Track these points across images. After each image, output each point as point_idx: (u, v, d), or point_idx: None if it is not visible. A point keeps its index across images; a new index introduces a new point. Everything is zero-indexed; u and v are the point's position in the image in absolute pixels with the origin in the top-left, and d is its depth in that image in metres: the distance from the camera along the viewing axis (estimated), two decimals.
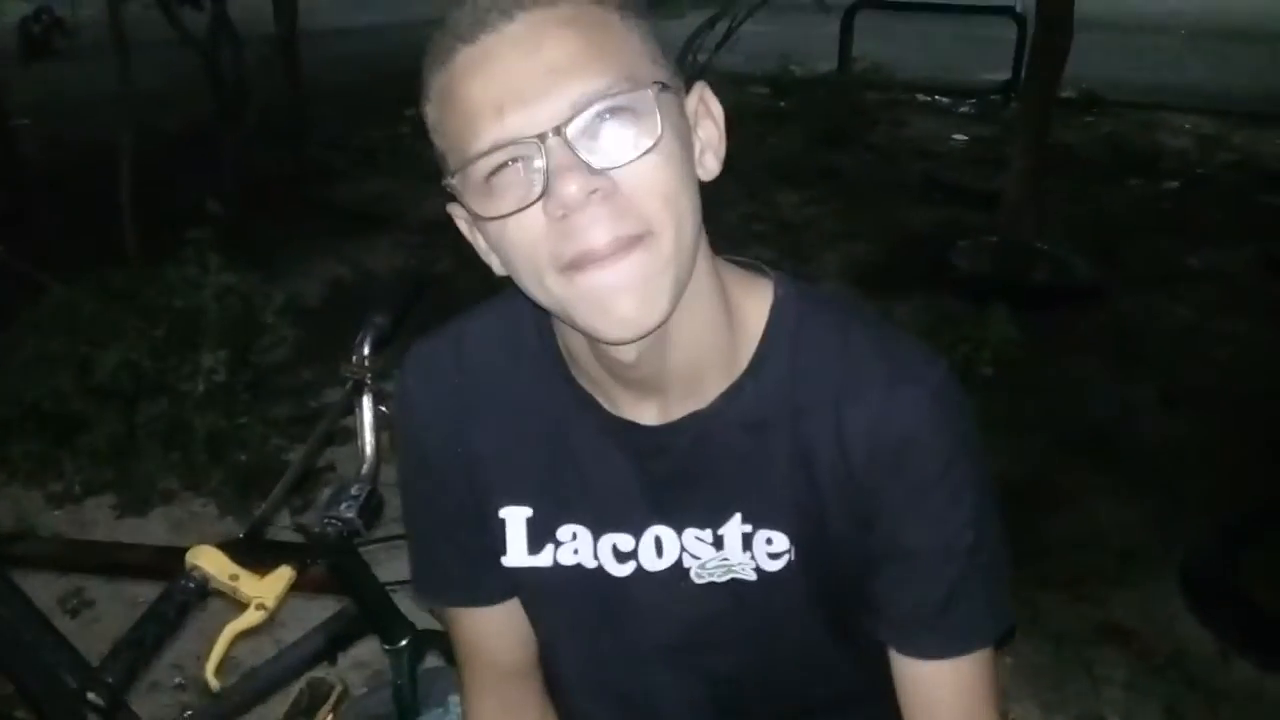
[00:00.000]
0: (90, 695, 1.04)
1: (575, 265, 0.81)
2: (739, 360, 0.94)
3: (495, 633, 1.09)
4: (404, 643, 1.49)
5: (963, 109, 7.11)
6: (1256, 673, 2.43)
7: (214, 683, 1.09)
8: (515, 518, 1.02)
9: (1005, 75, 7.19)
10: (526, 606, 1.08)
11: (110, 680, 1.04)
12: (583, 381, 0.97)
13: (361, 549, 1.38)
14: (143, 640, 1.07)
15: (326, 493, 1.35)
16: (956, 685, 0.97)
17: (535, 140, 0.79)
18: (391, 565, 1.61)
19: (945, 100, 7.21)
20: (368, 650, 1.90)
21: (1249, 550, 2.66)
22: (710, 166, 0.89)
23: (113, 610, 2.60)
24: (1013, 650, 2.49)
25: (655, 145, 0.80)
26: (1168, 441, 3.35)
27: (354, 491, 1.34)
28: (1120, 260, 4.70)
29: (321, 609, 1.65)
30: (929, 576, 0.96)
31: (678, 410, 0.95)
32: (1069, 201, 5.11)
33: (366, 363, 1.42)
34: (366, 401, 1.42)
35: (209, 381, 3.07)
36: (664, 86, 0.82)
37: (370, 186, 5.73)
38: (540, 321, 0.98)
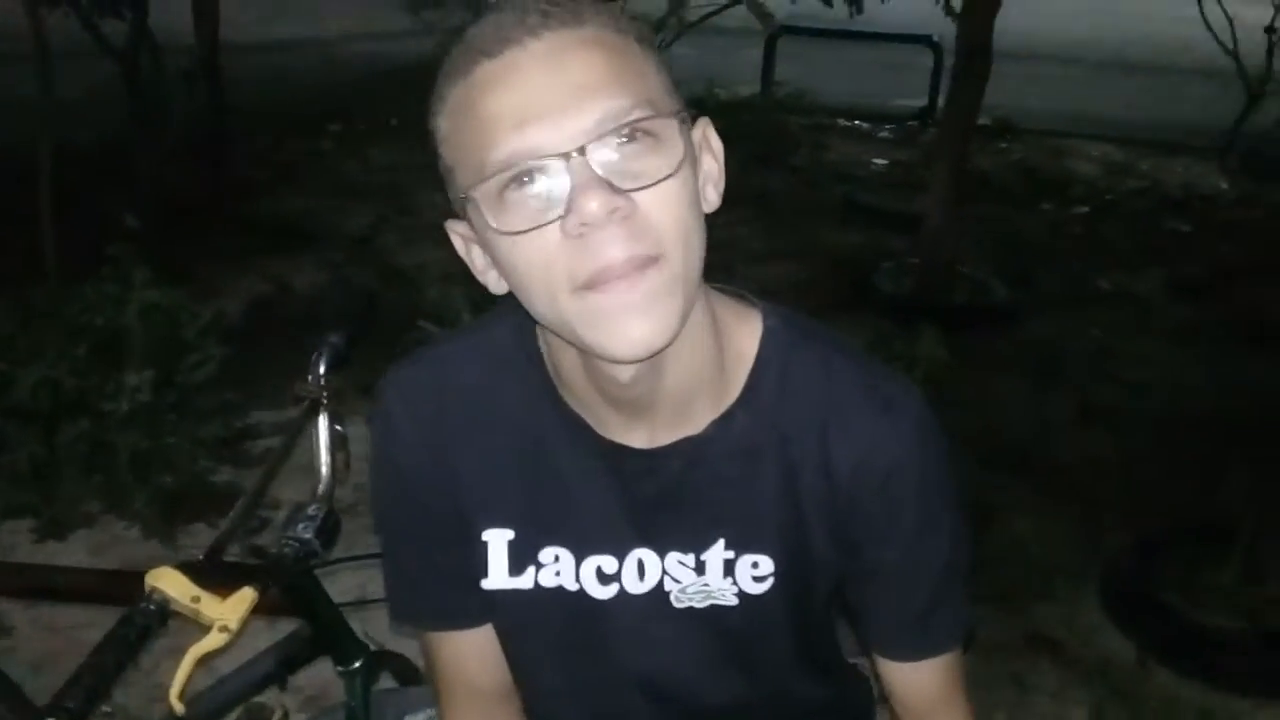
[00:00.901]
0: None
1: (590, 284, 0.82)
2: (730, 387, 0.97)
3: (475, 656, 1.09)
4: (358, 664, 1.48)
5: (882, 134, 7.26)
6: (1174, 680, 2.53)
7: (179, 706, 1.07)
8: (497, 540, 1.02)
9: (922, 101, 7.37)
10: (504, 630, 1.08)
11: (71, 706, 1.02)
12: (571, 403, 0.98)
13: (319, 570, 1.37)
14: (104, 666, 1.05)
15: (283, 514, 1.33)
16: (936, 678, 1.06)
17: (559, 157, 0.80)
18: (345, 584, 1.60)
19: (865, 125, 7.35)
20: (304, 676, 1.87)
21: (1165, 562, 2.76)
22: (711, 199, 0.91)
23: (33, 636, 2.51)
24: None
25: (676, 171, 0.82)
26: (1085, 458, 3.46)
27: (311, 512, 1.33)
28: (1035, 282, 4.84)
29: (257, 630, 1.62)
30: (913, 590, 1.02)
31: (665, 435, 0.96)
32: (985, 225, 5.25)
33: (323, 382, 1.41)
34: (322, 421, 1.40)
35: (133, 401, 3.00)
36: (683, 116, 0.85)
37: (292, 203, 5.65)
38: (526, 343, 0.99)
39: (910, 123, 7.36)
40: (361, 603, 1.57)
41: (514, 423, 1.00)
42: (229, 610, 1.13)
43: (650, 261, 0.82)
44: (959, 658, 1.07)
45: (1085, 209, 5.97)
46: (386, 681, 1.57)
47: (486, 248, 0.88)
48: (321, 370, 1.41)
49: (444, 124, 0.87)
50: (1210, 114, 6.79)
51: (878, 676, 1.10)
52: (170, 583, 1.12)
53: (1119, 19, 10.37)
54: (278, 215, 5.39)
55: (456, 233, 0.92)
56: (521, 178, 0.82)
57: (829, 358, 0.98)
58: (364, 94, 7.00)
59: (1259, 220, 5.97)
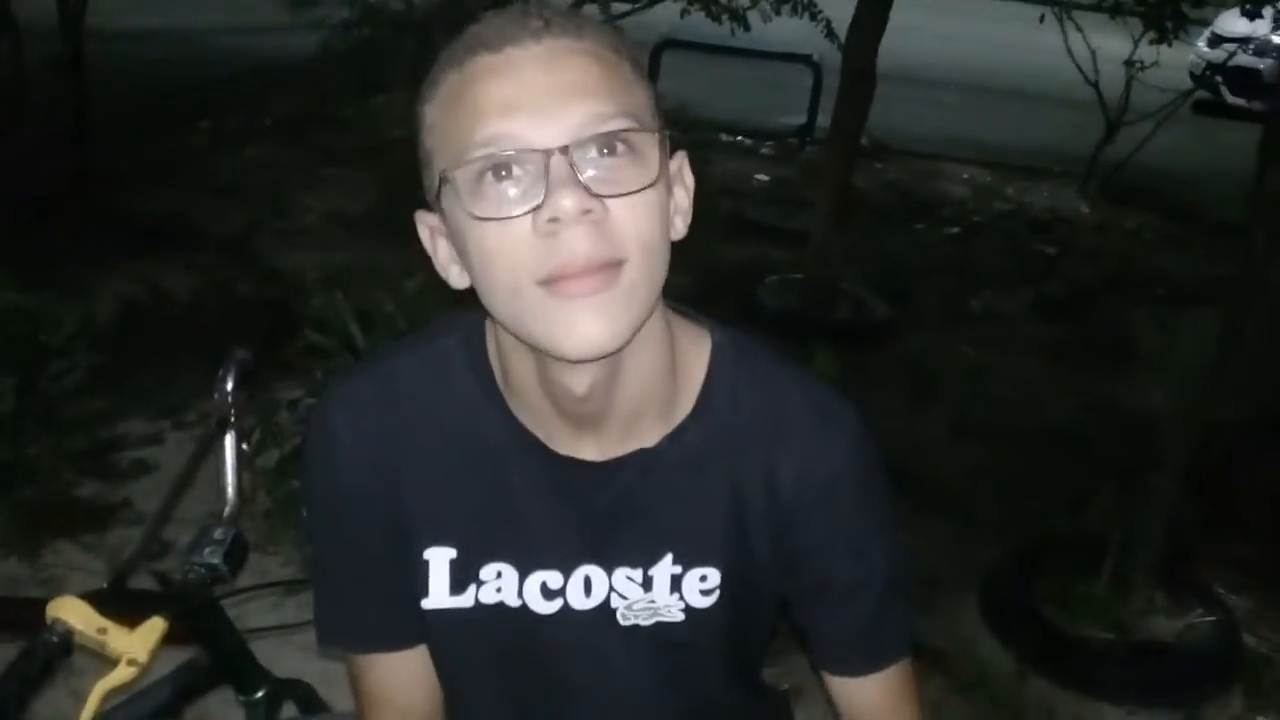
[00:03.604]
0: None
1: (551, 279, 0.83)
2: (682, 402, 0.98)
3: (406, 680, 1.07)
4: (261, 694, 1.42)
5: (763, 150, 7.37)
6: (1051, 689, 2.63)
7: None
8: (439, 558, 1.00)
9: (801, 119, 7.52)
10: (442, 651, 1.06)
11: None
12: (520, 416, 0.97)
13: (227, 598, 1.31)
14: (3, 702, 0.98)
15: (188, 537, 1.27)
16: (884, 691, 1.08)
17: (541, 152, 0.81)
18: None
19: (747, 141, 7.46)
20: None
21: (1040, 574, 2.87)
22: (679, 228, 0.93)
23: None
24: None
25: (651, 185, 0.84)
26: (961, 472, 3.57)
27: (218, 535, 1.27)
28: (911, 300, 4.99)
29: None
30: (857, 604, 1.04)
31: (616, 448, 0.97)
32: (863, 243, 5.38)
33: (230, 400, 1.36)
34: (229, 440, 1.35)
35: None
36: (664, 138, 0.87)
37: (162, 201, 5.41)
38: (474, 355, 0.99)
39: (790, 140, 7.50)
40: (266, 630, 1.52)
41: (461, 437, 0.99)
42: (138, 642, 1.08)
43: (612, 265, 0.84)
44: (906, 666, 1.09)
45: (956, 229, 6.18)
46: (289, 710, 1.51)
47: (455, 237, 0.89)
48: (229, 387, 1.36)
49: (432, 111, 0.88)
50: (1072, 141, 7.11)
51: (827, 695, 1.11)
52: (74, 613, 1.07)
53: (987, 46, 10.77)
54: (147, 214, 5.17)
55: (425, 224, 0.93)
56: (501, 168, 0.83)
57: (774, 372, 1.01)
58: (237, 90, 6.78)
59: (1117, 244, 6.29)
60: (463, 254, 0.89)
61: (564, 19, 0.86)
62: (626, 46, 0.89)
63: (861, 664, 1.07)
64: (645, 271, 0.86)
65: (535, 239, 0.83)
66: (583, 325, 0.84)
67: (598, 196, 0.82)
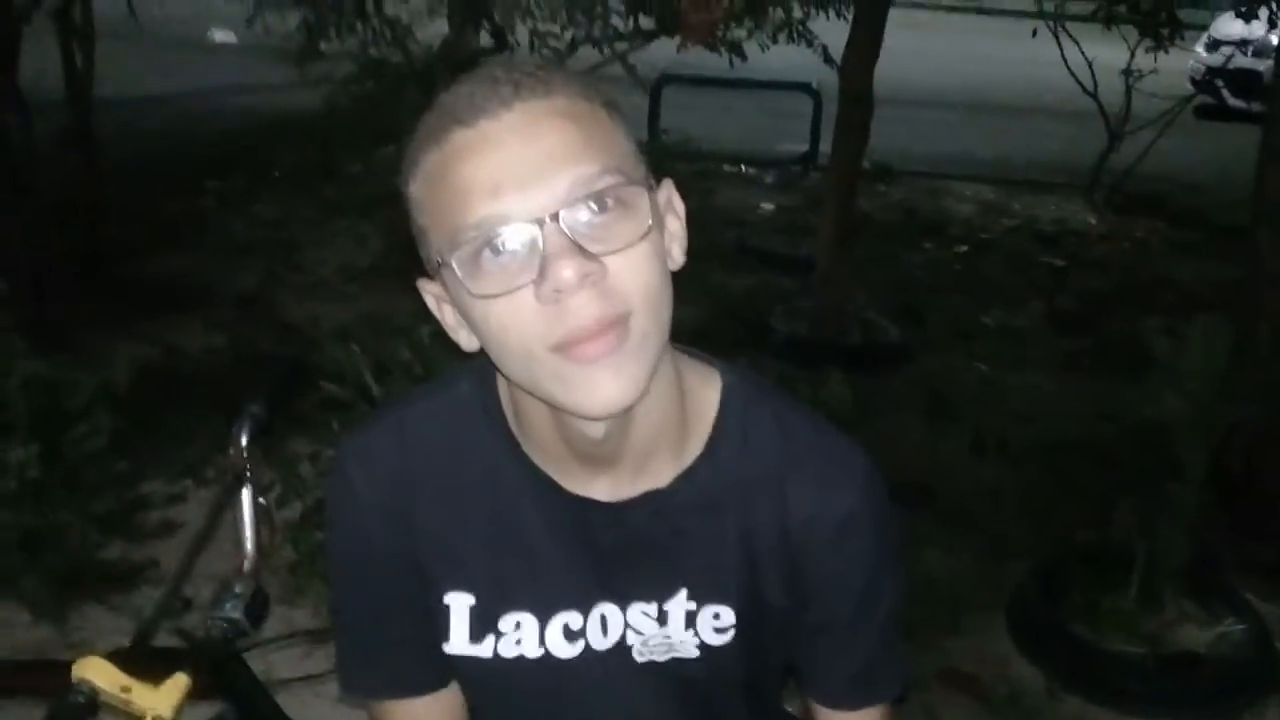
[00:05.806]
0: None
1: (563, 345, 0.84)
2: (693, 442, 0.99)
3: None
4: None
5: (767, 179, 7.41)
6: (1083, 706, 2.61)
7: None
8: (459, 605, 1.02)
9: (803, 147, 7.56)
10: (465, 691, 1.08)
11: None
12: (534, 457, 0.98)
13: (251, 651, 1.32)
14: None
15: (208, 592, 1.29)
16: None
17: (532, 223, 0.82)
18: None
19: (750, 170, 7.50)
20: None
21: (1067, 590, 2.85)
22: (677, 258, 0.94)
23: None
24: None
25: (644, 236, 0.85)
26: (981, 490, 3.56)
27: (238, 590, 1.29)
28: (923, 320, 4.99)
29: None
30: (861, 641, 1.05)
31: (629, 488, 0.98)
32: (872, 266, 5.40)
33: (245, 454, 1.37)
34: (246, 494, 1.36)
35: (21, 478, 2.87)
36: (650, 183, 0.88)
37: (174, 263, 5.48)
38: (486, 399, 1.00)
39: (793, 167, 7.53)
40: (295, 680, 1.53)
41: (476, 481, 1.00)
42: (162, 699, 1.09)
43: (620, 321, 0.85)
44: (888, 706, 1.09)
45: (965, 247, 6.19)
46: None
47: (460, 308, 0.90)
48: (243, 441, 1.38)
49: (417, 189, 0.88)
50: (1075, 152, 7.12)
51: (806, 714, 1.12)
52: (98, 672, 1.08)
53: (983, 63, 10.82)
54: (161, 276, 5.24)
55: (429, 292, 0.94)
56: (495, 243, 0.84)
57: (784, 414, 1.02)
58: (244, 148, 6.87)
59: (1126, 253, 6.29)
60: (470, 323, 0.90)
61: (531, 78, 0.86)
62: (596, 90, 0.89)
63: (856, 699, 1.08)
64: (652, 317, 0.87)
65: (541, 307, 0.83)
66: (602, 387, 0.85)
67: (594, 257, 0.83)
